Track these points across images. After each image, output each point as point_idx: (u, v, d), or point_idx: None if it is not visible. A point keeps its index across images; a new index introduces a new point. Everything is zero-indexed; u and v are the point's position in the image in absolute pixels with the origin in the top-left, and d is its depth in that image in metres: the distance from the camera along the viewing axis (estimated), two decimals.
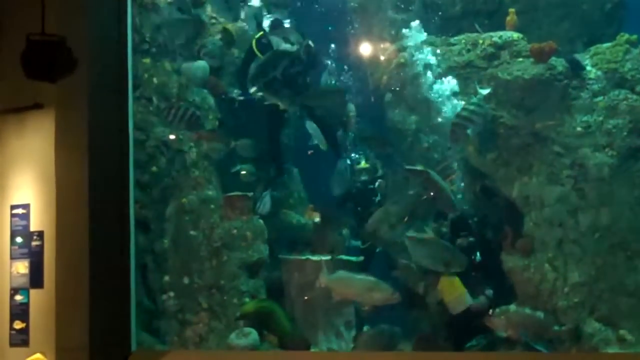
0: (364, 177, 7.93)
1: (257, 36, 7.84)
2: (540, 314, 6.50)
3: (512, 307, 6.61)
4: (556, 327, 6.44)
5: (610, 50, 6.90)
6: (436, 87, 7.28)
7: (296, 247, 7.85)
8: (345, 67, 8.31)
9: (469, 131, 6.78)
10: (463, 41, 7.34)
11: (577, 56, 6.85)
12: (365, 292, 6.85)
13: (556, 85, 6.76)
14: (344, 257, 7.58)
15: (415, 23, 7.49)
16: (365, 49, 8.11)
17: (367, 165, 7.95)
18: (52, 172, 6.25)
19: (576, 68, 6.76)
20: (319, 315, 7.26)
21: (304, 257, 7.47)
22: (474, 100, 6.85)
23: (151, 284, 7.35)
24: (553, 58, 6.85)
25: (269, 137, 8.11)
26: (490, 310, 6.59)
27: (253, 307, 7.14)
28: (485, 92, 6.85)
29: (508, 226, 6.88)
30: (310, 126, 7.91)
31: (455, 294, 6.63)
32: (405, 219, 7.37)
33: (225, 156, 7.83)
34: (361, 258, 7.69)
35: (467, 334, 6.73)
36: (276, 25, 7.90)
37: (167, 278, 7.36)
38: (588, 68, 6.84)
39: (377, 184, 7.84)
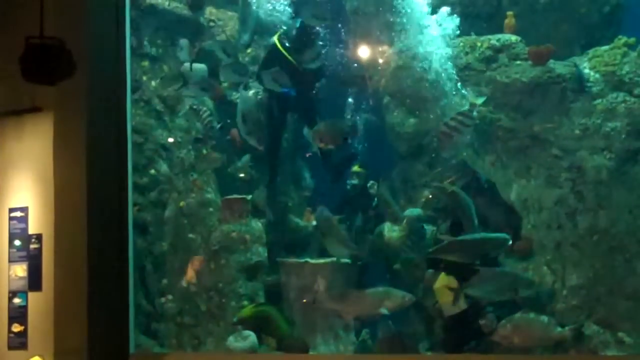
0: (355, 181, 7.90)
1: (278, 34, 7.77)
2: (544, 318, 6.49)
3: (517, 315, 6.57)
4: (559, 329, 6.44)
5: (609, 53, 6.89)
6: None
7: (295, 250, 7.85)
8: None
9: (456, 140, 6.78)
10: (461, 44, 7.33)
11: (583, 71, 6.83)
12: (378, 304, 6.78)
13: (554, 88, 6.77)
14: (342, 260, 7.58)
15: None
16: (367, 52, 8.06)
17: (361, 170, 7.93)
18: (50, 175, 6.26)
19: (581, 82, 6.75)
20: (317, 318, 7.25)
21: (302, 260, 7.47)
22: (464, 109, 6.83)
23: (150, 287, 7.35)
24: (551, 61, 6.86)
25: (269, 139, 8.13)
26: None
27: (249, 312, 7.15)
28: (480, 101, 6.85)
29: (507, 228, 6.88)
30: (308, 133, 7.91)
31: (450, 297, 6.61)
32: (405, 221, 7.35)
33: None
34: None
35: (464, 337, 6.73)
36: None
37: (165, 281, 7.36)
38: (586, 71, 6.85)
39: (369, 184, 7.81)
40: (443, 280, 6.68)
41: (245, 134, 7.40)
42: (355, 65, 8.01)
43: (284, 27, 7.80)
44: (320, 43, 7.65)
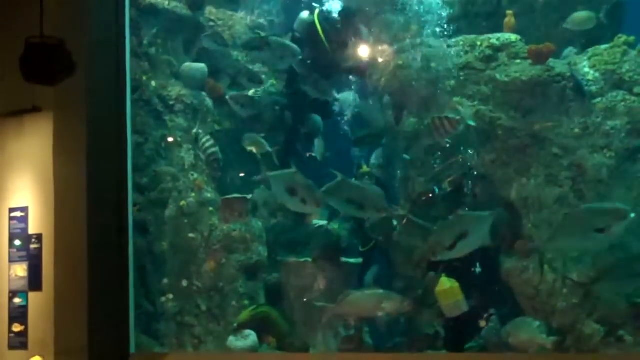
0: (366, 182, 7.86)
1: (317, 12, 7.77)
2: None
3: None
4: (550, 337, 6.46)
5: (608, 51, 6.89)
6: None
7: (295, 249, 7.85)
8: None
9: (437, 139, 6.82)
10: (461, 43, 7.33)
11: (581, 79, 6.82)
12: (376, 306, 6.76)
13: (554, 86, 6.77)
14: (343, 259, 7.59)
15: None
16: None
17: (369, 170, 7.91)
18: (50, 175, 6.27)
19: (579, 89, 6.75)
20: (317, 317, 7.25)
21: (302, 260, 7.47)
22: (455, 117, 6.80)
23: (150, 287, 7.35)
24: (551, 59, 6.87)
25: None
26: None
27: (248, 315, 7.15)
28: (470, 122, 6.84)
29: (506, 227, 6.89)
30: (319, 142, 7.97)
31: (452, 299, 6.62)
32: (404, 220, 7.34)
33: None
34: (360, 260, 7.69)
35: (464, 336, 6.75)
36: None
37: (165, 280, 7.36)
38: (586, 70, 6.85)
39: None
40: (445, 284, 6.69)
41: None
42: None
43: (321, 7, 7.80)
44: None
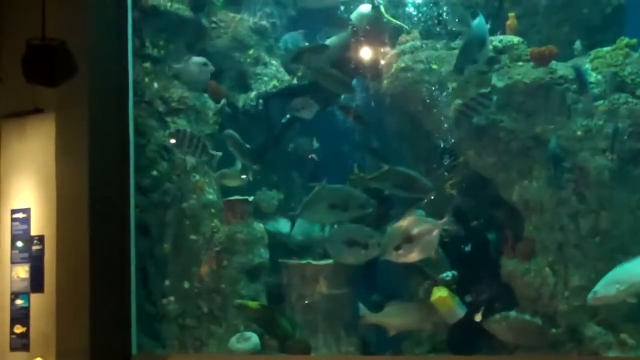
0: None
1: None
2: (538, 321, 6.51)
3: (512, 313, 6.63)
4: (554, 330, 6.45)
5: (611, 54, 6.89)
6: None
7: (297, 251, 7.85)
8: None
9: (473, 120, 6.80)
10: None
11: (582, 68, 6.82)
12: (423, 319, 6.88)
13: (556, 89, 6.77)
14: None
15: None
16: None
17: (362, 174, 7.89)
18: (52, 176, 6.28)
19: (582, 83, 6.75)
20: (319, 320, 7.25)
21: (304, 262, 7.47)
22: (484, 90, 6.84)
23: (152, 288, 7.35)
24: (553, 62, 6.86)
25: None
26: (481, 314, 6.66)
27: (255, 307, 7.14)
28: (501, 84, 6.88)
29: (508, 230, 6.89)
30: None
31: (446, 307, 6.64)
32: None
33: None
34: None
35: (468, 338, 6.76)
36: None
37: (167, 282, 7.36)
38: (588, 72, 6.84)
39: None
40: (435, 294, 6.70)
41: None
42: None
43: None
44: None
